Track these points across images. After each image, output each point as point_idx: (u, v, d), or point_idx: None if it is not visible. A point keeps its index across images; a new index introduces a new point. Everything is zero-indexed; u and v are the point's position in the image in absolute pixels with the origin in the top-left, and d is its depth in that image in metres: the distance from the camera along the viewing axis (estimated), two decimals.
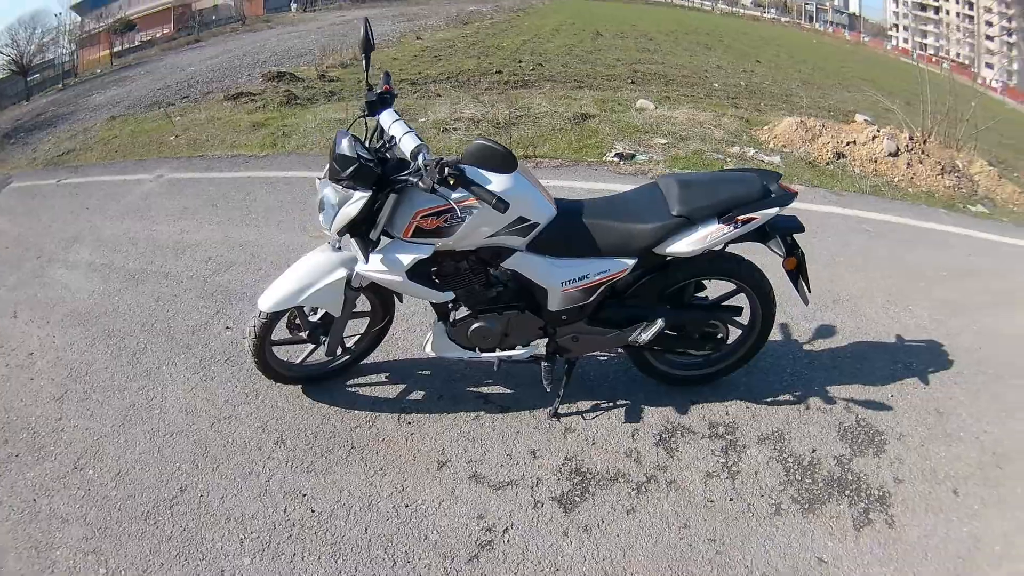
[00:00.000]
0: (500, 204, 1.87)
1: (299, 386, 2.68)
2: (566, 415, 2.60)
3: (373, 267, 2.16)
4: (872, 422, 2.68)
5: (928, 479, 2.40)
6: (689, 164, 5.20)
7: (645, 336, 2.43)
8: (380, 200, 2.03)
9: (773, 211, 2.29)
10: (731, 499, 2.29)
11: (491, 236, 2.12)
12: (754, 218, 2.29)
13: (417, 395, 2.69)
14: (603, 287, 2.33)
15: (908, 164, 6.06)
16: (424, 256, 2.13)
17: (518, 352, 2.46)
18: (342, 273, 2.26)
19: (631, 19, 20.56)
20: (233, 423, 2.54)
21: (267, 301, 2.29)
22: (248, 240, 3.98)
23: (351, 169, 1.97)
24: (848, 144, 6.36)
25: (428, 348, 2.43)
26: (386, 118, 2.14)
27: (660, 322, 2.43)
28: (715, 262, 2.43)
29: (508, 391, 2.68)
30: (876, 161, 6.19)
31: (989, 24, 39.21)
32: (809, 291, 2.46)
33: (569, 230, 2.19)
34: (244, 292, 3.40)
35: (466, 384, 2.74)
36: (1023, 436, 2.60)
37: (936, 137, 6.72)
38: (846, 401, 2.76)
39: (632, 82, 9.45)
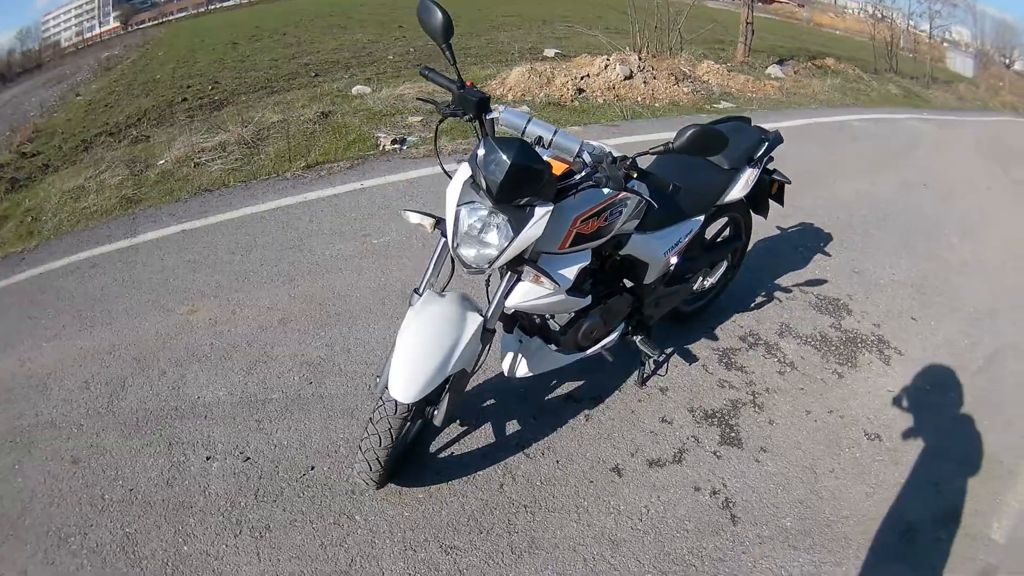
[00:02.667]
0: (676, 188, 2.01)
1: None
2: (646, 379, 3.08)
3: (528, 295, 2.07)
4: (825, 293, 3.98)
5: (893, 315, 3.85)
6: (459, 132, 5.99)
7: (711, 280, 3.10)
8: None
9: (774, 149, 3.14)
10: (812, 379, 3.25)
11: (623, 225, 2.28)
12: (769, 158, 3.12)
13: (517, 425, 2.78)
14: (686, 247, 2.83)
15: (644, 82, 7.76)
16: (586, 263, 2.15)
17: (612, 337, 2.73)
18: (478, 319, 2.06)
19: (251, 23, 21.55)
20: None
21: (409, 388, 1.93)
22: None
23: (547, 180, 1.86)
24: (584, 78, 7.54)
25: (521, 370, 2.40)
26: (512, 118, 2.11)
27: (724, 263, 3.14)
28: (732, 203, 3.13)
29: (579, 383, 3.00)
30: (614, 87, 7.51)
31: None
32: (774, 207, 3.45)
33: (658, 201, 2.41)
34: None
35: (538, 396, 2.94)
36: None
37: (649, 51, 8.81)
38: (797, 287, 3.97)
39: (316, 75, 10.60)
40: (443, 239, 2.14)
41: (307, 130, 6.00)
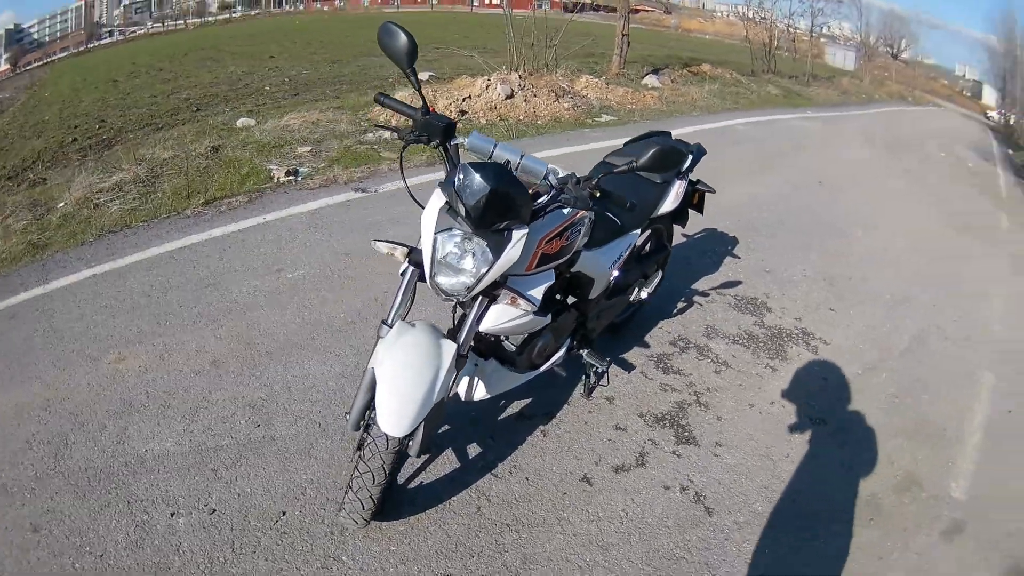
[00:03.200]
0: (633, 205, 2.19)
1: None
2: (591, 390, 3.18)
3: (500, 318, 2.11)
4: (742, 294, 4.27)
5: (811, 308, 4.20)
6: (351, 161, 6.04)
7: (647, 291, 3.27)
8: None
9: (699, 162, 3.42)
10: (748, 375, 3.45)
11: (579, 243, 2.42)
12: (691, 171, 3.36)
13: (477, 448, 2.76)
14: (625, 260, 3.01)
15: (526, 100, 8.08)
16: (550, 283, 2.24)
17: (561, 352, 2.82)
18: (452, 346, 2.06)
19: (128, 59, 22.11)
20: None
21: (401, 422, 1.89)
22: None
23: (523, 203, 1.90)
24: (466, 99, 7.75)
25: (479, 393, 2.41)
26: (479, 143, 2.15)
27: (660, 274, 3.36)
28: (664, 215, 3.35)
29: (527, 401, 3.04)
30: (496, 107, 7.71)
31: None
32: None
33: (599, 218, 2.56)
34: None
35: (490, 418, 2.95)
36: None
37: (526, 68, 9.19)
38: (714, 291, 4.24)
39: (197, 109, 10.80)
40: (411, 269, 2.16)
41: (200, 165, 5.86)
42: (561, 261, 2.27)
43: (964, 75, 43.20)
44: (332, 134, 6.86)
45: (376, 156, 6.10)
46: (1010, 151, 19.01)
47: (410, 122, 2.16)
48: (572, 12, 14.09)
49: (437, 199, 1.99)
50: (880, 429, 3.18)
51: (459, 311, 2.33)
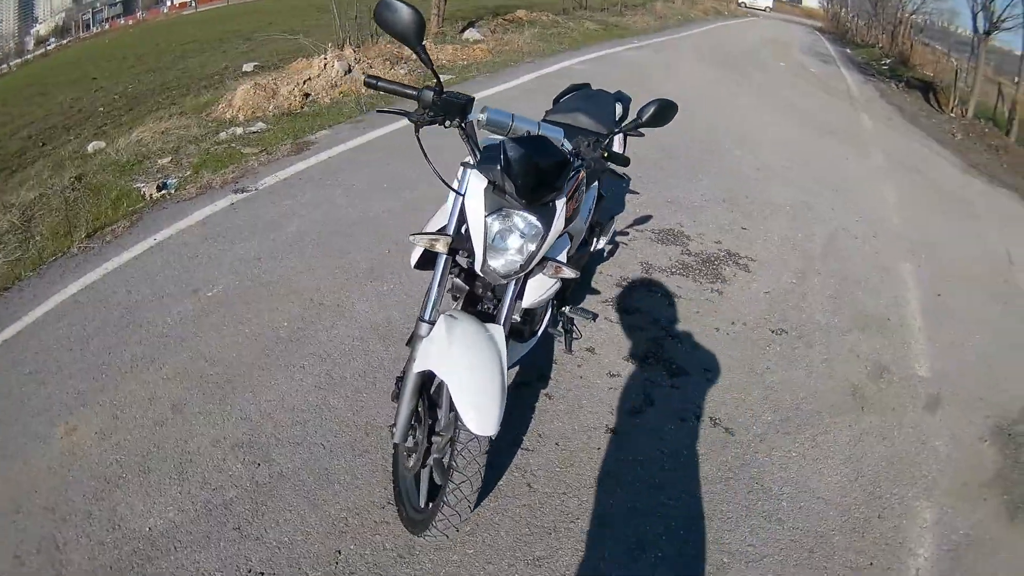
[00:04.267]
0: (627, 159, 2.27)
1: None
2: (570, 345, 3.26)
3: (539, 290, 2.15)
4: (659, 227, 4.50)
5: (725, 230, 4.49)
6: (216, 164, 5.57)
7: (604, 240, 3.34)
8: None
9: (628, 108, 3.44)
10: (700, 302, 3.69)
11: None
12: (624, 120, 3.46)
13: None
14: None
15: (364, 73, 7.63)
16: (569, 245, 2.31)
17: (549, 313, 2.80)
18: (499, 328, 2.00)
19: None
20: None
21: (491, 421, 1.83)
22: None
23: (565, 174, 1.92)
24: (307, 82, 7.49)
25: None
26: (498, 117, 2.06)
27: (614, 218, 3.45)
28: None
29: (516, 368, 2.99)
30: (337, 85, 7.54)
31: None
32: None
33: (613, 177, 2.82)
34: None
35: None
36: None
37: (352, 43, 9.11)
38: (631, 229, 4.43)
39: (43, 144, 10.53)
40: (443, 258, 2.06)
41: (70, 198, 5.18)
42: (573, 223, 2.27)
43: None
44: (186, 140, 6.37)
45: (238, 154, 5.68)
46: (848, 50, 20.82)
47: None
48: None
49: (478, 180, 1.93)
50: (834, 328, 3.54)
51: (458, 296, 2.22)
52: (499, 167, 1.83)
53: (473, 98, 2.04)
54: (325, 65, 7.94)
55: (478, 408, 1.80)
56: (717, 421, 2.81)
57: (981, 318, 4.07)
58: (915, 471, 2.77)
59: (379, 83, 2.00)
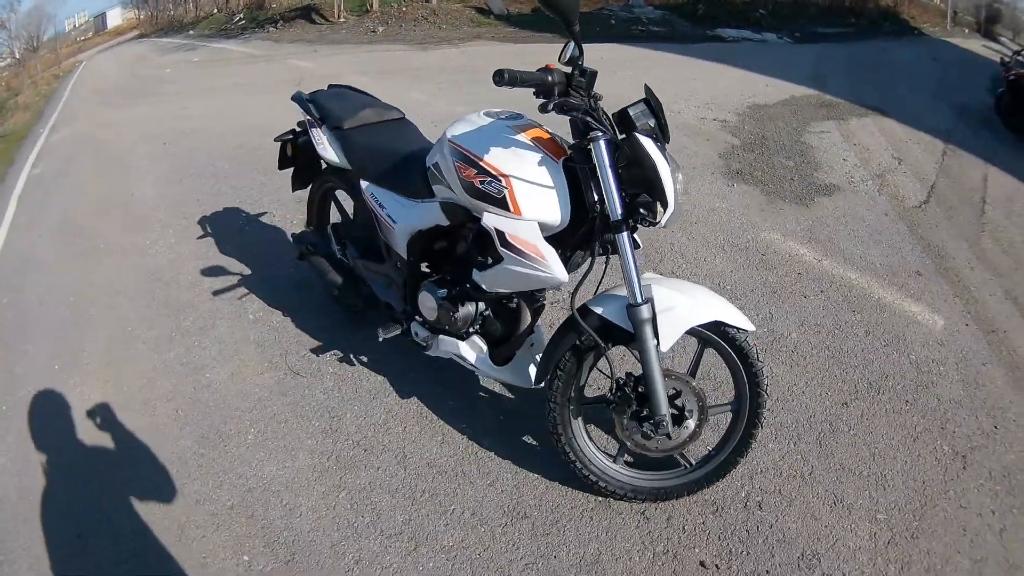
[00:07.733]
0: None
1: None
2: None
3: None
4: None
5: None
6: None
7: None
8: None
9: None
10: None
11: None
12: None
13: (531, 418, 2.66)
14: None
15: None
16: None
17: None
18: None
19: None
20: None
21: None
22: None
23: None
24: None
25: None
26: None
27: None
28: None
29: None
30: None
31: None
32: None
33: None
34: None
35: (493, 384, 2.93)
36: None
37: None
38: None
39: None
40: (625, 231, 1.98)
41: None
42: None
43: None
44: None
45: None
46: None
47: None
48: None
49: (648, 141, 1.88)
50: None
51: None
52: (652, 111, 1.91)
53: (596, 71, 1.93)
54: None
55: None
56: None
57: None
58: None
59: (519, 74, 1.80)
